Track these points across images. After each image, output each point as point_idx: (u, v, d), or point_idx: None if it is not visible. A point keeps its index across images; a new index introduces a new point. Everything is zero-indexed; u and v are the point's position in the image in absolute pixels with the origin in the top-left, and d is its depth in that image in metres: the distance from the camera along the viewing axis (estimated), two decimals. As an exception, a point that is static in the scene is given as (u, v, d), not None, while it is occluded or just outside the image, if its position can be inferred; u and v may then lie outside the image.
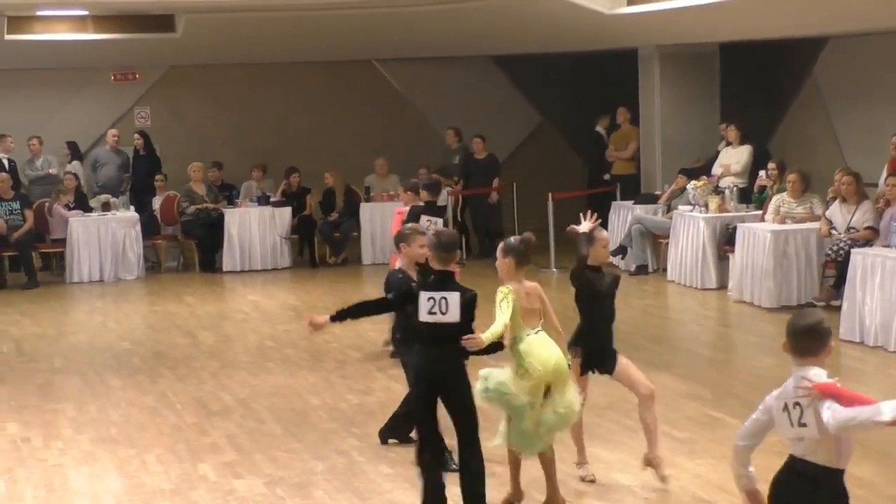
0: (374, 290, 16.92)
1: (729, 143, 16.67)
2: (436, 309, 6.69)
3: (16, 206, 17.40)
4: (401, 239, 8.25)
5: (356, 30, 17.89)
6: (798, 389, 4.77)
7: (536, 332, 7.08)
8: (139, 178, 19.14)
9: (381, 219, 18.38)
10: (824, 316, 4.98)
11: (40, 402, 10.49)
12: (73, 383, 11.20)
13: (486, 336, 6.68)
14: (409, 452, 8.50)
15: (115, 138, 19.09)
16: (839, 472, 4.86)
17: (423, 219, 11.71)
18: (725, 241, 14.82)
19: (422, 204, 12.14)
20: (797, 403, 4.79)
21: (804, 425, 4.80)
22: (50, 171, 18.63)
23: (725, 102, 18.32)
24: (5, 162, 18.27)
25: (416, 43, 19.22)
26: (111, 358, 12.30)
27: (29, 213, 17.40)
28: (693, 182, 15.80)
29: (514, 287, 7.00)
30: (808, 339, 4.88)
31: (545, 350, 7.02)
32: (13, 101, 19.96)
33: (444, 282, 6.81)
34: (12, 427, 9.65)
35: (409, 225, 8.34)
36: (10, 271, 17.47)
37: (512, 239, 7.23)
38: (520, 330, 7.00)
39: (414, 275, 8.19)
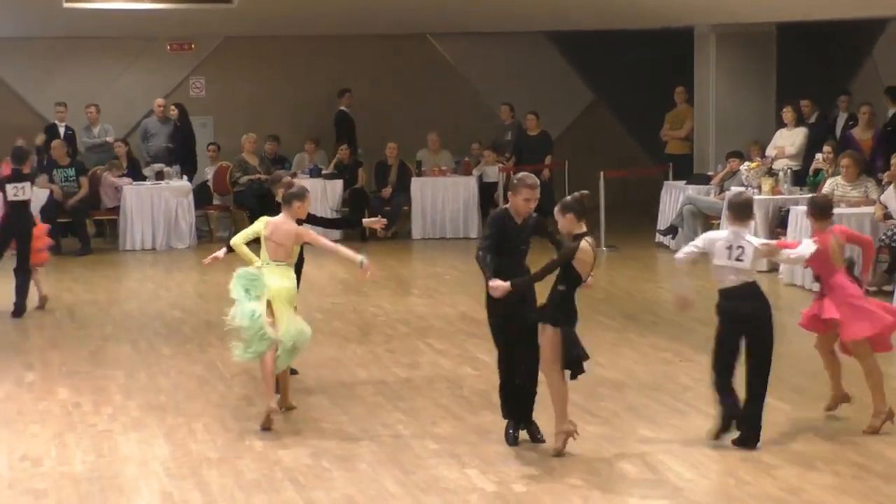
0: (421, 264, 17.04)
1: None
2: None
3: (71, 172, 17.57)
4: (510, 189, 8.22)
5: (411, 3, 17.86)
6: (762, 244, 8.11)
7: (277, 265, 8.81)
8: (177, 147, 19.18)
9: (432, 194, 18.42)
10: (751, 196, 8.51)
11: (91, 368, 10.63)
12: (124, 350, 11.32)
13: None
14: (456, 428, 8.55)
15: (161, 108, 19.20)
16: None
17: (10, 188, 12.68)
18: (778, 223, 14.69)
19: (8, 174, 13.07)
20: (741, 247, 7.94)
21: (741, 260, 7.94)
22: (107, 139, 18.79)
23: (782, 83, 18.13)
24: (62, 129, 18.52)
25: (471, 17, 19.16)
26: (162, 326, 12.42)
27: (84, 181, 17.57)
28: (746, 163, 15.68)
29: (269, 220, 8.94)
30: (745, 209, 8.15)
31: (270, 279, 8.74)
32: (71, 69, 20.12)
33: None
34: (63, 392, 9.78)
35: (519, 175, 8.26)
36: (64, 237, 17.67)
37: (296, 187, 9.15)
38: (261, 257, 8.87)
39: (518, 220, 8.08)
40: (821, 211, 8.67)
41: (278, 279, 8.80)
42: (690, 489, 7.31)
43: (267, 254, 8.90)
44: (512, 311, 7.94)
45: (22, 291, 12.88)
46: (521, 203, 8.03)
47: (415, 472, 7.67)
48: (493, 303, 7.99)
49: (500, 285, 7.70)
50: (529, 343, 7.93)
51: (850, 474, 7.49)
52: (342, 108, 19.81)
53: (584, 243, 7.72)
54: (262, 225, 8.95)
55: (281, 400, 8.97)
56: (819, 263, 8.49)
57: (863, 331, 8.29)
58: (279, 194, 9.29)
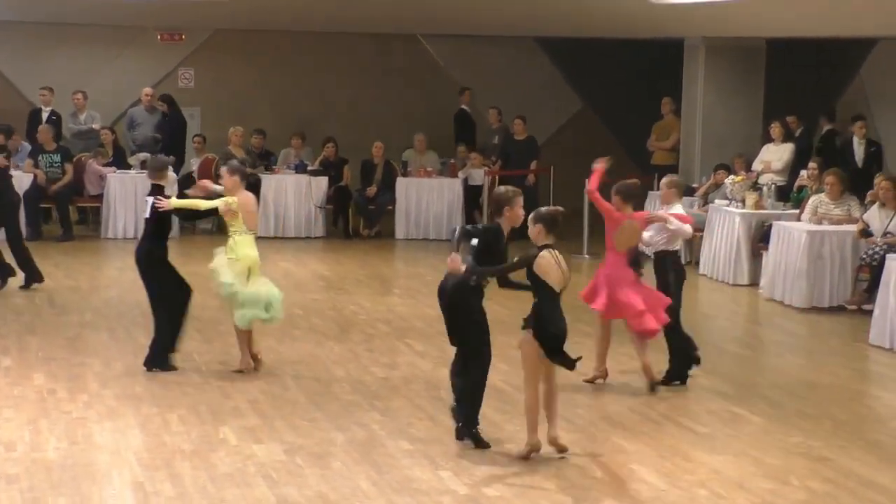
0: (404, 264, 17.03)
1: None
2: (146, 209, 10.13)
3: (56, 158, 17.52)
4: (505, 202, 8.21)
5: (403, 3, 17.86)
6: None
7: (251, 234, 9.94)
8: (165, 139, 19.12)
9: (416, 194, 18.44)
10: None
11: (69, 354, 10.60)
12: (102, 338, 11.30)
13: (174, 202, 10.10)
14: (431, 429, 8.55)
15: (148, 97, 19.15)
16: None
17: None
18: (760, 238, 14.74)
19: None
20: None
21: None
22: (93, 126, 18.75)
23: (769, 98, 18.19)
24: (45, 114, 18.46)
25: (463, 20, 19.17)
26: (141, 315, 12.35)
27: (69, 167, 17.52)
28: (731, 177, 15.72)
29: (239, 197, 9.89)
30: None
31: (250, 248, 9.90)
32: (61, 55, 20.05)
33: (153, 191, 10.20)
34: (39, 378, 9.75)
35: (507, 188, 8.31)
36: (46, 223, 17.60)
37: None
38: (239, 227, 9.89)
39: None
40: (627, 195, 9.92)
41: (251, 248, 10.00)
42: (662, 499, 7.33)
43: (246, 226, 10.00)
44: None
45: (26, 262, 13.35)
46: (520, 212, 8.13)
47: (388, 472, 7.67)
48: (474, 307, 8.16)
49: (458, 262, 7.86)
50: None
51: (822, 490, 7.51)
52: (462, 106, 20.17)
53: (547, 252, 7.80)
54: (234, 201, 9.96)
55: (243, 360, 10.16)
56: (609, 236, 9.75)
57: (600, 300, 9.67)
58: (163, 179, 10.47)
